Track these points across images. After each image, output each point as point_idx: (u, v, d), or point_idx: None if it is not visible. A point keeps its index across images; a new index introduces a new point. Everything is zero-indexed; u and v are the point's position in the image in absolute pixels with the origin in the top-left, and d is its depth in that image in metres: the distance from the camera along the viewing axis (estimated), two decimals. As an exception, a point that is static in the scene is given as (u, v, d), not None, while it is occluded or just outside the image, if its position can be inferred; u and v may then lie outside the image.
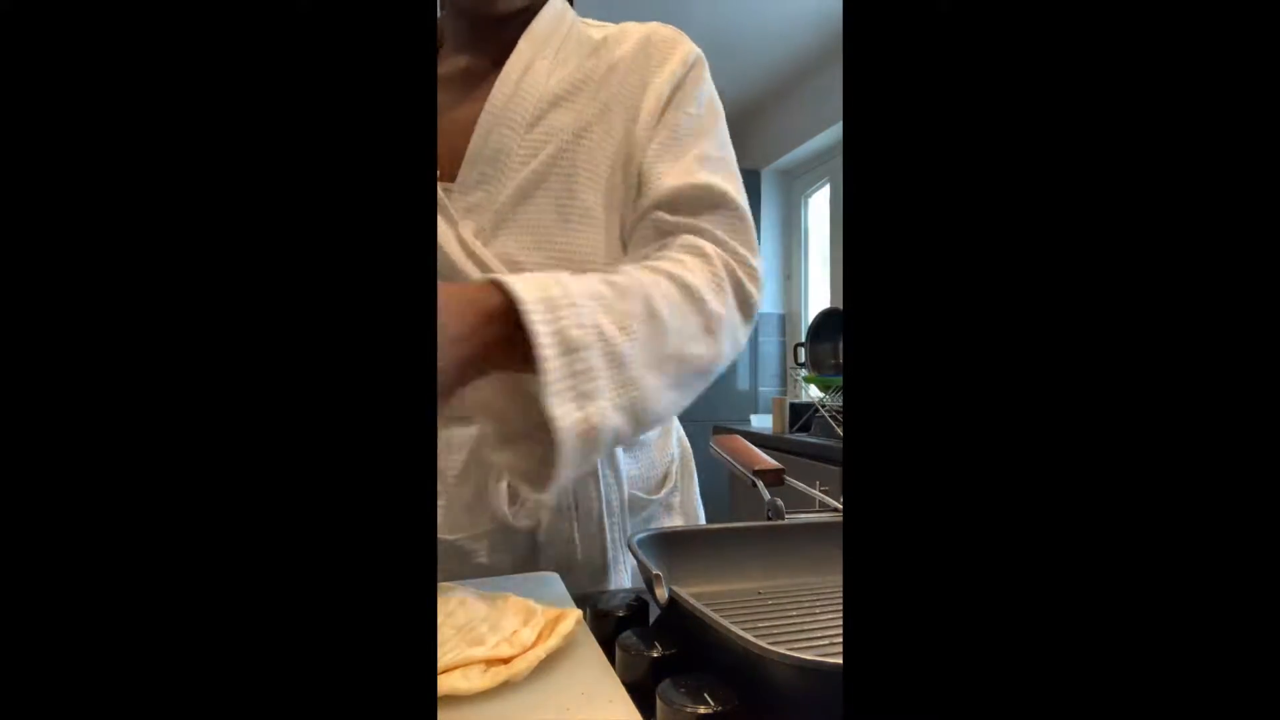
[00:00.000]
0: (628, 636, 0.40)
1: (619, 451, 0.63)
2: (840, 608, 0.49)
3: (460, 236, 0.56)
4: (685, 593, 0.40)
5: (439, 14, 0.66)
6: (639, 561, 0.47)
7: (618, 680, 0.38)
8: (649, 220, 0.56)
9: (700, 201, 0.56)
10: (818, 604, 0.50)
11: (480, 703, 0.35)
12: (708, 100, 0.62)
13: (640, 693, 0.36)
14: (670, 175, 0.56)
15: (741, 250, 0.55)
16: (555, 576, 0.56)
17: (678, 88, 0.60)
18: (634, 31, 0.63)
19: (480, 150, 0.57)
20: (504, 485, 0.58)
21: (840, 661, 0.31)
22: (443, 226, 0.56)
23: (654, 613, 0.46)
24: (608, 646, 0.41)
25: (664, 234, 0.56)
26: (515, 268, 0.56)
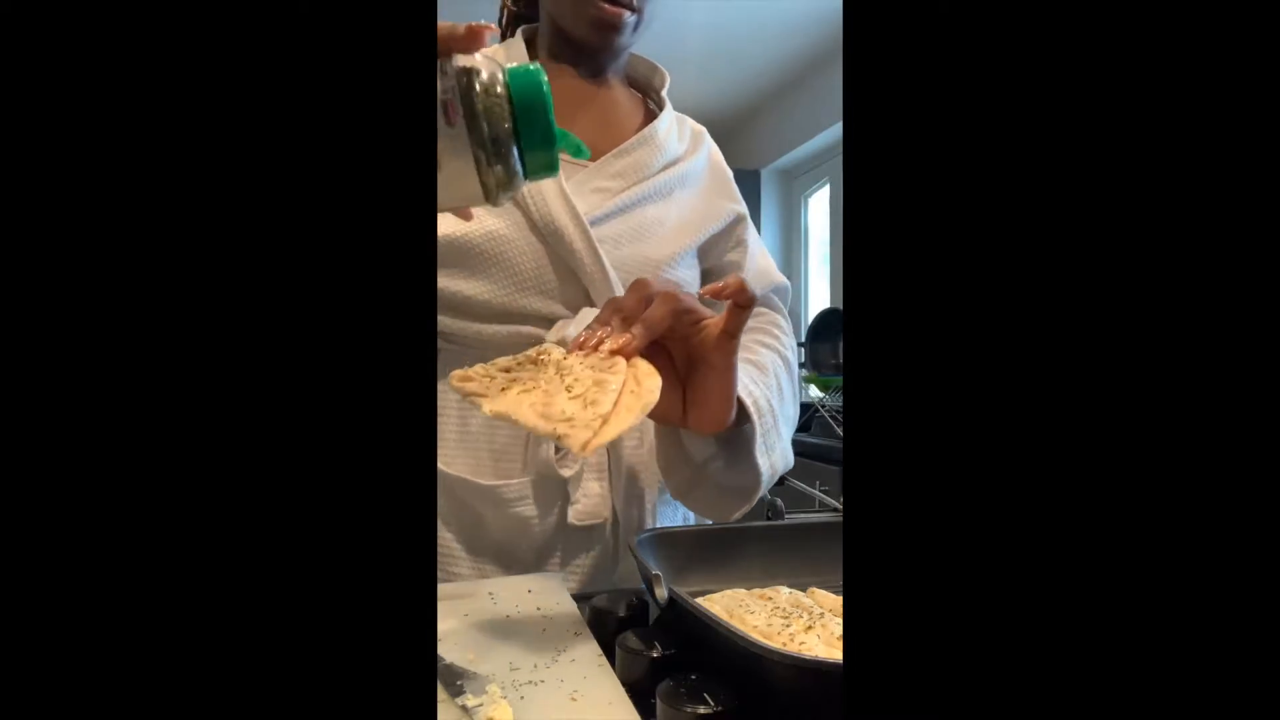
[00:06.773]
0: (628, 636, 0.40)
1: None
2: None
3: (572, 209, 0.67)
4: (685, 593, 0.40)
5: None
6: (638, 561, 0.47)
7: (617, 680, 0.38)
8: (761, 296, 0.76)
9: (777, 287, 0.78)
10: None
11: (480, 703, 0.35)
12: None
13: (640, 693, 0.36)
14: (758, 260, 0.78)
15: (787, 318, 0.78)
16: (555, 575, 0.56)
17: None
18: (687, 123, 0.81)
19: (616, 162, 0.70)
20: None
21: (840, 661, 0.31)
22: (554, 191, 0.66)
23: (654, 613, 0.46)
24: (608, 646, 0.41)
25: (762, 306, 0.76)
26: (610, 252, 0.68)
